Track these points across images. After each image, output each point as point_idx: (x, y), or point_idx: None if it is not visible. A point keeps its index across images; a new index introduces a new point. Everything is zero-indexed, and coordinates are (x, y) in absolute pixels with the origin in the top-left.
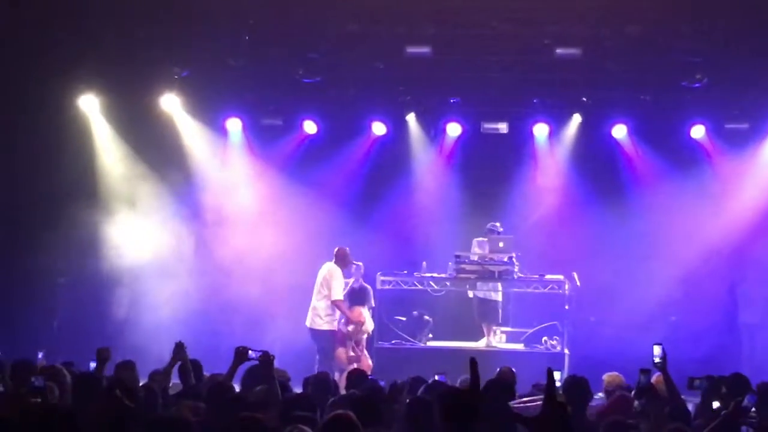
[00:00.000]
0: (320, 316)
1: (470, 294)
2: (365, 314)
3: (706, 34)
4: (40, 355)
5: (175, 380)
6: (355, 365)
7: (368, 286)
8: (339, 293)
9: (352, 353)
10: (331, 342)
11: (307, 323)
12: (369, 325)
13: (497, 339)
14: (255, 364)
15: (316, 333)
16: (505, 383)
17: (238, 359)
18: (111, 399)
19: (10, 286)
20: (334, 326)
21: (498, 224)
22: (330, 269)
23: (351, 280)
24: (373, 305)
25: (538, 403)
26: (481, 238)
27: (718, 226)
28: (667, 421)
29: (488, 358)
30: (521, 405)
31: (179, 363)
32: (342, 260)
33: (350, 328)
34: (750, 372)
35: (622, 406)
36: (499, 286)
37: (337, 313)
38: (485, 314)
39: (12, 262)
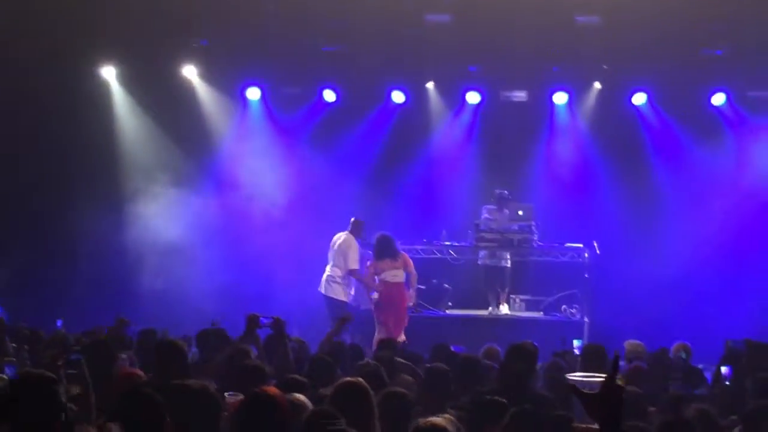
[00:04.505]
0: (336, 285)
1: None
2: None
3: (728, 1)
4: (59, 323)
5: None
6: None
7: None
8: (355, 263)
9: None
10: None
11: (321, 289)
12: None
13: (518, 306)
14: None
15: (330, 301)
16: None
17: (250, 326)
18: None
19: (32, 254)
20: (348, 298)
21: (506, 192)
22: (345, 239)
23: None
24: None
25: (596, 380)
26: (490, 205)
27: (739, 194)
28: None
29: (508, 325)
30: (579, 379)
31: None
32: (359, 231)
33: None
34: None
35: (638, 377)
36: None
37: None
38: (494, 282)
39: (34, 232)
